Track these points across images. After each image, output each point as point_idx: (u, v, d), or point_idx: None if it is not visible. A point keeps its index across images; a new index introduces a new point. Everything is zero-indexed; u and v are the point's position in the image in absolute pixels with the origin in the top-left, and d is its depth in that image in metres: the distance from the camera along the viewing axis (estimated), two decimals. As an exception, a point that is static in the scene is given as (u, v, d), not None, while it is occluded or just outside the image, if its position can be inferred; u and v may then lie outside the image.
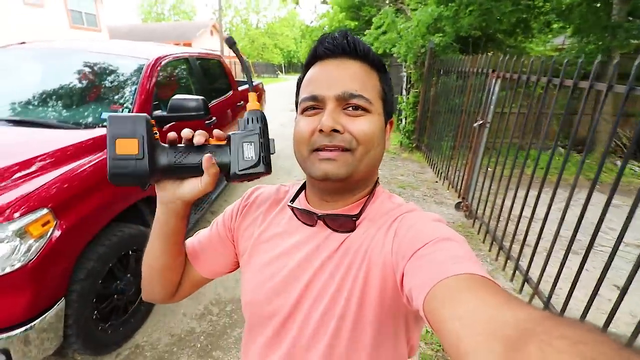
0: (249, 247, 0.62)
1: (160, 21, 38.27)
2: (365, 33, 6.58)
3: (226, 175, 0.51)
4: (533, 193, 2.24)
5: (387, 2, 6.84)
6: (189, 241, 0.67)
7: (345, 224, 0.54)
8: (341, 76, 0.52)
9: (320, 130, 0.50)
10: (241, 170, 0.50)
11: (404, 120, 6.03)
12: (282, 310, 0.56)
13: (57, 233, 1.33)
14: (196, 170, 0.49)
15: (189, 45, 20.02)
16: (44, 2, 12.39)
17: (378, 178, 0.60)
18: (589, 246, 1.73)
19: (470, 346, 0.28)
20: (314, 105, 0.52)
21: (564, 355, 0.21)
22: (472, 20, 5.17)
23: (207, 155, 0.49)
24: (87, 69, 2.24)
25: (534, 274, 2.22)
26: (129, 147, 0.45)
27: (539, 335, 0.23)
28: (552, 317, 0.26)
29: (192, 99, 2.10)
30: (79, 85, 2.17)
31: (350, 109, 0.51)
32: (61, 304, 1.42)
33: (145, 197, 1.90)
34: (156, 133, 0.49)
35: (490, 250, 2.85)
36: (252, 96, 0.53)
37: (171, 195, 0.52)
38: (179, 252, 0.61)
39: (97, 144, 1.69)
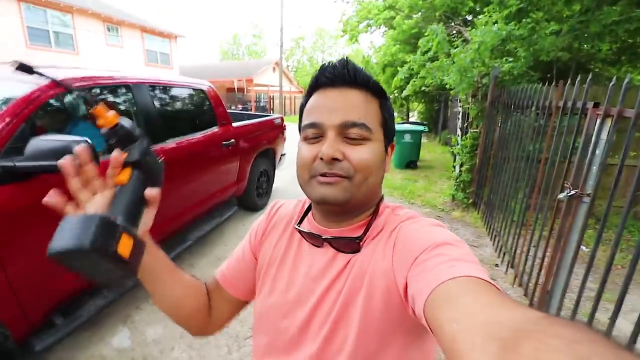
0: (265, 264, 0.65)
1: (236, 60, 41.87)
2: (408, 60, 5.50)
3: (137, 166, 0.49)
4: None
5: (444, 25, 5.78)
6: (219, 269, 0.70)
7: (349, 244, 0.56)
8: (342, 105, 0.54)
9: (321, 158, 0.52)
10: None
11: (457, 168, 4.72)
12: (293, 326, 0.58)
13: None
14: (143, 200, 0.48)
15: (250, 81, 20.86)
16: (124, 44, 14.03)
17: (383, 195, 0.62)
18: None
19: (466, 348, 0.28)
20: (315, 132, 0.54)
21: (558, 354, 0.21)
22: (557, 41, 3.84)
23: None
24: None
25: None
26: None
27: (534, 335, 0.23)
28: (547, 317, 0.26)
29: (67, 141, 1.31)
30: None
31: (351, 137, 0.53)
32: None
33: None
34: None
35: None
36: (99, 110, 0.46)
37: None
38: (179, 283, 0.61)
39: None
